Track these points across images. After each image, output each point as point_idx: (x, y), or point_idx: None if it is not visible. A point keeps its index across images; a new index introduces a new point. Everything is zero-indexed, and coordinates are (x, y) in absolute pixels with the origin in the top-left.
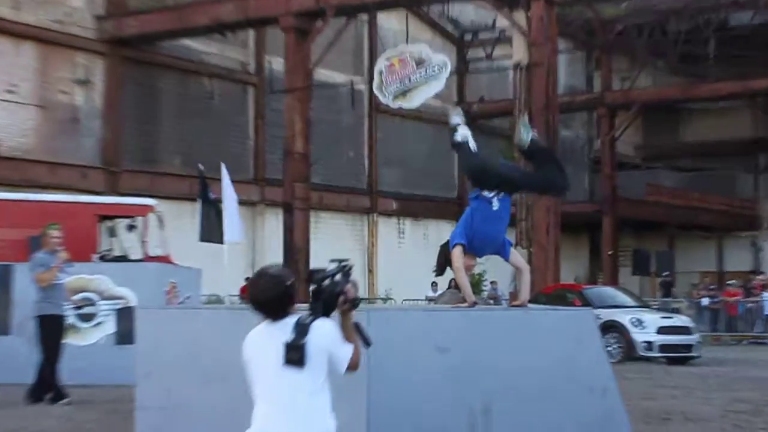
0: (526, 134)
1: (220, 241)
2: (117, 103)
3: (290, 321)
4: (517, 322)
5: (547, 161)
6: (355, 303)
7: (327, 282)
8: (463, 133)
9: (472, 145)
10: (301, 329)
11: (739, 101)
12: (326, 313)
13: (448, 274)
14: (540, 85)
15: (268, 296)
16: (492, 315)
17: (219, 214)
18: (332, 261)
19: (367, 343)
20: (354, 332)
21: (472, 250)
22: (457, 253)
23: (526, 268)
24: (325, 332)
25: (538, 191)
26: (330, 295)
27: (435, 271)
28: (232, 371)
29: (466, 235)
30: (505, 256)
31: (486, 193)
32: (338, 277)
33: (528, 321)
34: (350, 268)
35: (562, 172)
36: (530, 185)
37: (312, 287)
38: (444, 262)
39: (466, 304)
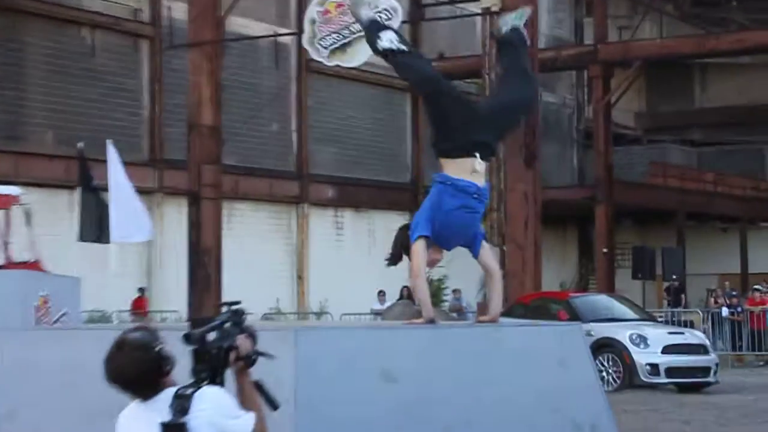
0: (515, 20)
1: (105, 241)
2: None
3: (166, 396)
4: (487, 341)
5: (513, 69)
6: (251, 359)
7: (213, 335)
8: (389, 36)
9: (407, 46)
10: (181, 404)
11: None
12: (214, 378)
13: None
14: None
15: (131, 374)
16: (454, 333)
17: (103, 206)
18: (220, 304)
19: (273, 405)
20: (254, 395)
21: (438, 240)
22: (419, 249)
23: (497, 273)
24: (212, 403)
25: (506, 121)
26: (217, 354)
27: (388, 260)
28: (121, 406)
29: (431, 222)
30: (474, 252)
31: (461, 181)
32: (228, 326)
33: (500, 340)
34: (243, 313)
35: (528, 81)
36: (494, 114)
37: (191, 346)
38: (401, 249)
39: (421, 320)
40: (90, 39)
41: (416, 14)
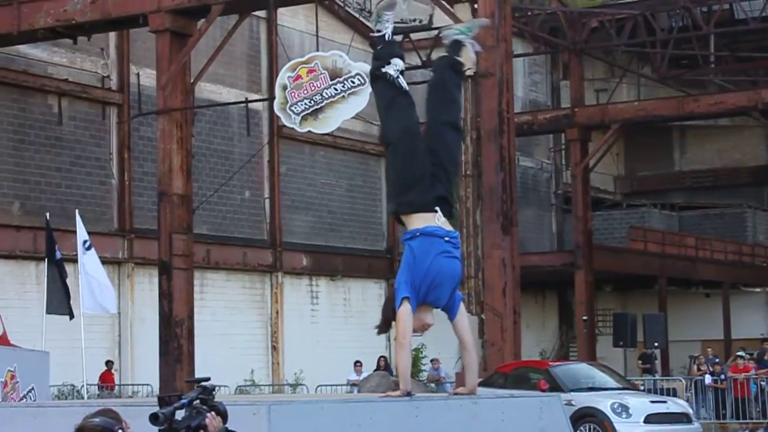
0: (461, 32)
1: (69, 314)
2: None
3: None
4: (464, 414)
5: (441, 98)
6: None
7: (182, 414)
8: (398, 62)
9: (404, 85)
10: None
11: (747, 117)
12: None
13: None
14: (491, 101)
15: None
16: (431, 405)
17: (65, 278)
18: (189, 381)
19: None
20: None
21: (428, 298)
22: (404, 312)
23: (471, 345)
24: None
25: (453, 173)
26: None
27: (377, 327)
28: None
29: (411, 284)
30: (451, 316)
31: (427, 227)
32: (196, 404)
33: (478, 412)
34: (212, 390)
35: (458, 129)
36: (444, 167)
37: (159, 427)
38: (390, 316)
39: (398, 392)
40: (57, 107)
41: None
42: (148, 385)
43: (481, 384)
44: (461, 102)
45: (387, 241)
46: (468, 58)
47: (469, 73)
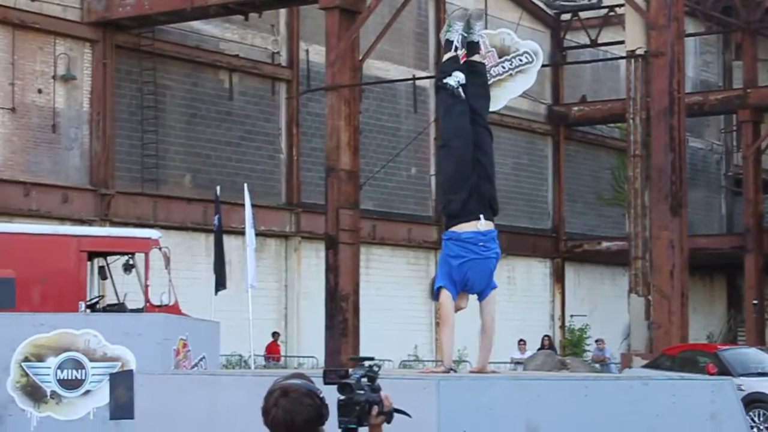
0: (444, 33)
1: (223, 286)
2: (108, 105)
3: None
4: (635, 394)
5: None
6: (391, 416)
7: (364, 392)
8: (458, 77)
9: (463, 94)
10: None
11: None
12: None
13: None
14: (662, 81)
15: (299, 421)
16: (601, 385)
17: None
18: (352, 359)
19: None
20: None
21: (464, 288)
22: (444, 299)
23: (489, 329)
24: None
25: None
26: (363, 407)
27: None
28: None
29: (447, 274)
30: (481, 298)
31: (465, 233)
32: (364, 381)
33: (648, 394)
34: (378, 370)
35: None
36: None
37: (341, 398)
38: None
39: (441, 369)
40: (228, 82)
41: (558, 57)
42: (313, 357)
43: (647, 366)
44: (489, 98)
45: (552, 220)
46: (481, 48)
47: (639, 52)
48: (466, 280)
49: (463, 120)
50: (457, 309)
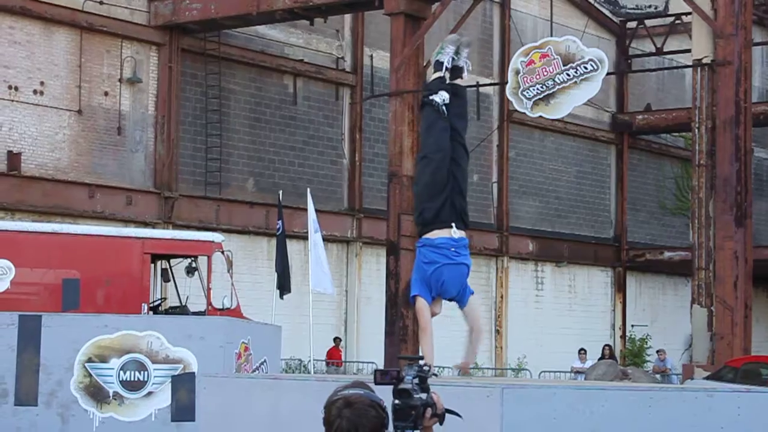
0: (435, 55)
1: (288, 290)
2: (173, 108)
3: None
4: (699, 406)
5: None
6: (443, 417)
7: (419, 395)
8: (443, 96)
9: (446, 112)
10: None
11: None
12: None
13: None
14: (728, 90)
15: (364, 429)
16: (665, 396)
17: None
18: (401, 357)
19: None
20: None
21: (439, 293)
22: (420, 306)
23: (479, 329)
24: None
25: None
26: (418, 410)
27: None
28: None
29: (421, 281)
30: (461, 305)
31: (438, 239)
32: (415, 382)
33: (713, 405)
34: (429, 370)
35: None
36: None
37: (396, 402)
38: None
39: None
40: (292, 87)
41: (623, 65)
42: (372, 362)
43: (709, 377)
44: (467, 119)
45: (615, 229)
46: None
47: (706, 60)
48: (441, 285)
49: (444, 135)
50: (433, 315)
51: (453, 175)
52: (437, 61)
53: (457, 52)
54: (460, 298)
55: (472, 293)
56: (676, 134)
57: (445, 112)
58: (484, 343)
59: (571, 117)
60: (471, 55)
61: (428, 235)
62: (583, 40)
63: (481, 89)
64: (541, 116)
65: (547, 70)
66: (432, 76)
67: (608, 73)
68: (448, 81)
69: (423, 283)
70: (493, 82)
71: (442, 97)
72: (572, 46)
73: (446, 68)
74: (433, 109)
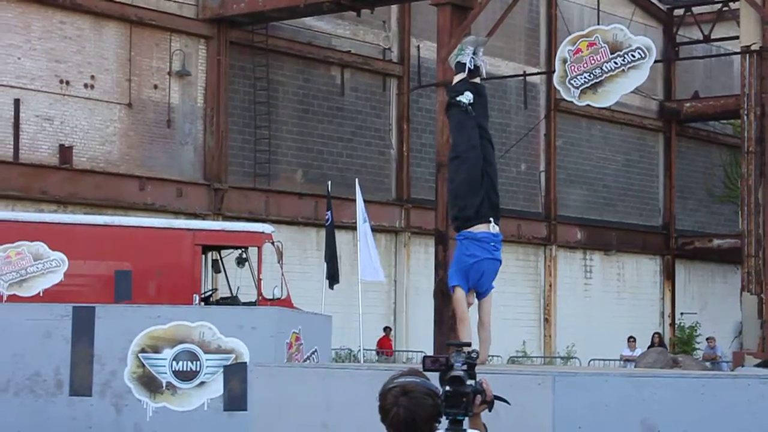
0: (455, 56)
1: (336, 280)
2: (222, 101)
3: None
4: (752, 393)
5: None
6: (492, 404)
7: (469, 382)
8: (468, 96)
9: (472, 111)
10: None
11: None
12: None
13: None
14: None
15: (420, 420)
16: (718, 383)
17: (332, 244)
18: (450, 343)
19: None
20: None
21: (474, 286)
22: (458, 297)
23: (488, 324)
24: None
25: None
26: (470, 398)
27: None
28: None
29: (460, 273)
30: (481, 297)
31: (480, 233)
32: (464, 369)
33: (765, 392)
34: (476, 357)
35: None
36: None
37: (448, 389)
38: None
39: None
40: (339, 78)
41: (670, 53)
42: (421, 352)
43: (759, 364)
44: (488, 116)
45: (663, 217)
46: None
47: (754, 47)
48: (480, 277)
49: (475, 134)
50: (468, 305)
51: (485, 172)
52: (458, 62)
53: (474, 53)
54: (486, 291)
55: (493, 288)
56: (725, 121)
57: (472, 111)
58: (533, 332)
59: (619, 105)
60: (517, 44)
61: (470, 230)
62: (631, 28)
63: (528, 79)
64: (588, 105)
65: (595, 58)
66: (455, 78)
67: (656, 61)
68: (469, 81)
69: (462, 274)
70: (540, 71)
71: (468, 97)
72: (619, 35)
73: (469, 69)
74: (460, 110)
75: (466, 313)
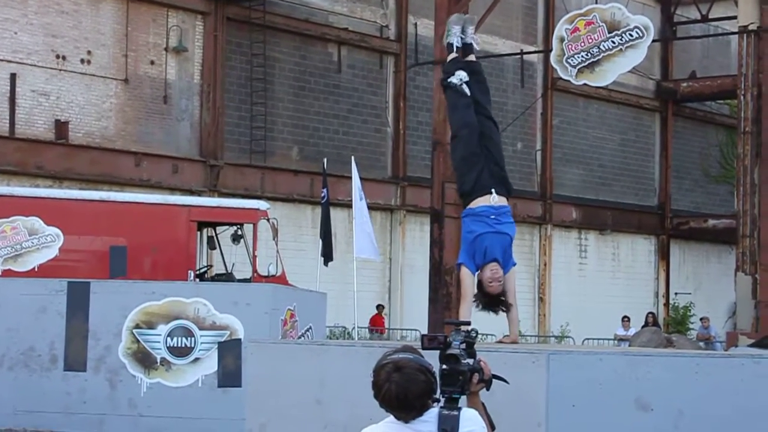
0: (446, 38)
1: (331, 258)
2: (219, 77)
3: (429, 416)
4: (746, 372)
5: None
6: (490, 382)
7: (466, 361)
8: (460, 75)
9: (467, 90)
10: (450, 424)
11: None
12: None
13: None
14: None
15: (413, 396)
16: (712, 363)
17: (327, 221)
18: (448, 322)
19: (492, 428)
20: (483, 414)
21: (487, 258)
22: (464, 275)
23: (514, 303)
24: (476, 425)
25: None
26: (467, 376)
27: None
28: (366, 422)
29: (467, 252)
30: (503, 272)
31: (478, 207)
32: (462, 347)
33: (761, 372)
34: (476, 336)
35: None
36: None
37: (444, 368)
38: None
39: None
40: (336, 55)
41: (668, 32)
42: (416, 330)
43: (753, 345)
44: (489, 92)
45: (658, 197)
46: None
47: (752, 27)
48: (484, 252)
49: (468, 112)
50: (495, 279)
51: (486, 148)
52: (448, 43)
53: (463, 31)
54: (503, 265)
55: (515, 264)
56: (721, 101)
57: (466, 90)
58: (528, 311)
59: (616, 84)
60: (515, 23)
61: (470, 206)
62: (629, 7)
63: (525, 57)
64: (585, 84)
65: (592, 37)
66: (447, 59)
67: (653, 41)
68: (463, 60)
69: (465, 252)
70: (537, 49)
71: (459, 77)
72: (617, 14)
73: (457, 48)
74: (453, 91)
75: (470, 292)
